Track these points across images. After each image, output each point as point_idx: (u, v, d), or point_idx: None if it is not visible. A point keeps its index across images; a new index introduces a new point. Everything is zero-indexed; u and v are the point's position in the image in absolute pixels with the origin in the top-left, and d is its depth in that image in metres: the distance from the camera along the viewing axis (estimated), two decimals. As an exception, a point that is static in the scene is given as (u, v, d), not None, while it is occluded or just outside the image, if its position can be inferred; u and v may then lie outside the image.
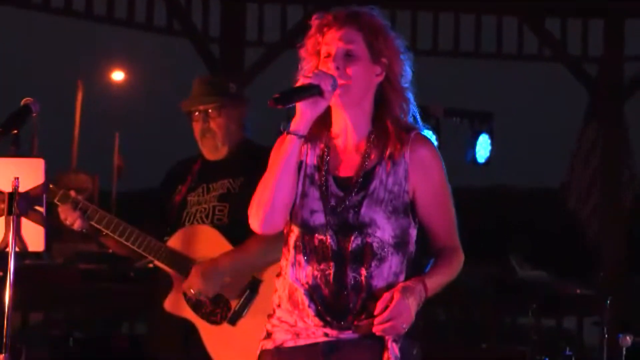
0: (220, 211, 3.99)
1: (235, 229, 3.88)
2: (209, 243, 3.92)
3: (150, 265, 4.23)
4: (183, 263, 3.91)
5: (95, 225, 3.88)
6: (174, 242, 3.96)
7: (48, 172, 3.26)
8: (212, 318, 3.89)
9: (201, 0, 10.08)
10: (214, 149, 4.07)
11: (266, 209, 2.78)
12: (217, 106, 4.05)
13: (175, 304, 3.95)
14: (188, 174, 4.13)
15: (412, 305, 2.73)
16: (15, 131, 3.22)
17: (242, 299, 3.87)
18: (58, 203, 3.88)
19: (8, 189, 3.14)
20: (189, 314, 3.92)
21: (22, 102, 3.34)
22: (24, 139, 3.25)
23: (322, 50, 2.83)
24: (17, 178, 3.14)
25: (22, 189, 3.15)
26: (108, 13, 9.60)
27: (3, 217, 3.15)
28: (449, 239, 2.90)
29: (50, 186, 3.84)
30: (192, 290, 3.86)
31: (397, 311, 2.71)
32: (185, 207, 4.06)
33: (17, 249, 3.14)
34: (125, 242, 3.88)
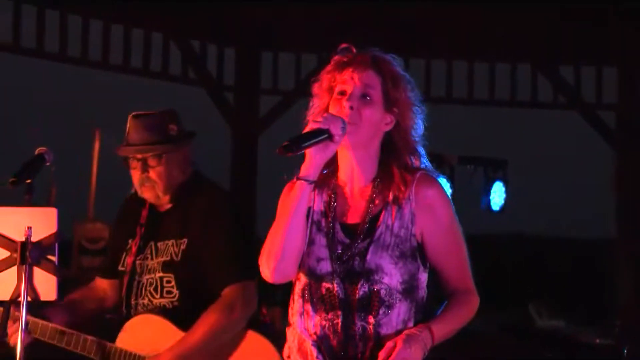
0: (167, 282, 3.72)
1: (186, 303, 3.68)
2: (158, 335, 3.67)
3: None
4: None
5: (39, 338, 3.62)
6: (124, 338, 3.72)
7: (61, 221, 3.26)
8: None
9: (216, 48, 10.15)
10: (155, 199, 3.77)
11: (277, 257, 2.74)
12: (156, 154, 3.72)
13: None
14: (137, 222, 3.82)
15: (415, 353, 2.68)
16: (29, 180, 3.23)
17: None
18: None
19: (21, 238, 3.14)
20: None
21: (36, 152, 3.35)
22: (44, 188, 3.24)
23: (337, 88, 2.80)
24: (30, 227, 3.14)
25: (34, 238, 3.15)
26: (124, 62, 9.67)
27: (15, 267, 3.14)
28: (461, 281, 2.83)
29: None
30: None
31: None
32: (135, 274, 3.79)
33: (29, 299, 3.12)
34: (73, 349, 3.67)
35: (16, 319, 3.36)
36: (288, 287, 2.88)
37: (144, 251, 3.79)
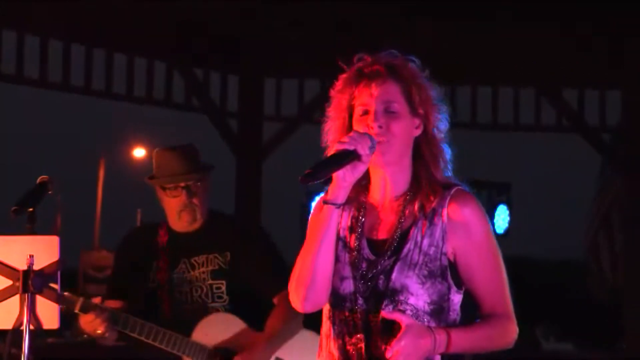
0: (217, 289, 4.04)
1: (235, 306, 4.02)
2: (231, 329, 3.98)
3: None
4: (221, 355, 3.94)
5: (121, 330, 3.89)
6: (199, 336, 3.97)
7: (65, 249, 3.25)
8: None
9: (219, 75, 10.18)
10: (191, 222, 4.07)
11: (307, 284, 2.60)
12: (198, 181, 4.05)
13: None
14: (156, 247, 4.11)
15: (417, 350, 2.52)
16: (31, 209, 3.22)
17: None
18: (79, 312, 3.86)
19: (23, 266, 3.13)
20: None
21: (38, 180, 3.35)
22: (49, 217, 3.26)
23: (358, 107, 2.65)
24: (32, 256, 3.13)
25: (36, 266, 3.14)
26: (127, 90, 9.70)
27: (18, 295, 3.13)
28: (496, 305, 2.64)
29: (67, 294, 3.82)
30: None
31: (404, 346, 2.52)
32: (175, 286, 4.06)
33: (31, 327, 3.11)
34: (159, 345, 3.91)
35: (102, 312, 3.76)
36: None
37: (178, 266, 4.06)
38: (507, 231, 9.97)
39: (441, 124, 2.72)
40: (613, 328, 10.83)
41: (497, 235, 9.54)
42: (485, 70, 9.98)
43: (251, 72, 10.00)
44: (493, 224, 9.93)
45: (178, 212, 4.04)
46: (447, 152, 2.71)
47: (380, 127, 2.61)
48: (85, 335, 3.91)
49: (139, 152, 33.56)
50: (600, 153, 10.58)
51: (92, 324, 3.83)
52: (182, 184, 4.01)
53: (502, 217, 9.91)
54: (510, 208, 10.00)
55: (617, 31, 9.13)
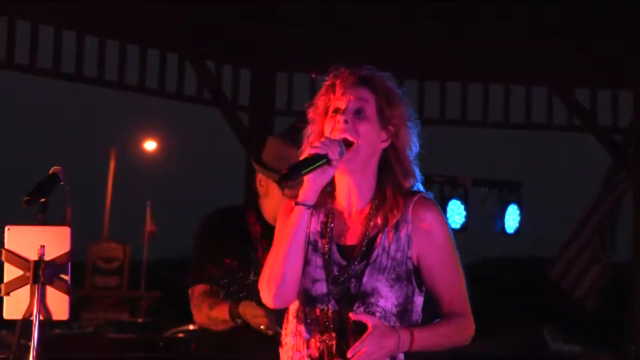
0: None
1: None
2: None
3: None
4: None
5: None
6: None
7: (75, 240, 3.26)
8: None
9: (231, 69, 10.19)
10: None
11: (277, 283, 2.72)
12: None
13: None
14: (247, 233, 3.97)
15: (379, 349, 2.65)
16: (43, 199, 3.23)
17: None
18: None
19: (34, 257, 3.14)
20: None
21: (50, 171, 3.35)
22: (59, 208, 3.25)
23: (331, 107, 2.79)
24: (43, 246, 3.13)
25: (47, 257, 3.14)
26: (140, 82, 9.71)
27: (28, 286, 3.14)
28: (455, 305, 2.78)
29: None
30: None
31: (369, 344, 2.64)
32: None
33: (41, 318, 3.12)
34: None
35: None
36: None
37: None
38: (517, 230, 9.96)
39: (412, 142, 2.81)
40: (623, 329, 10.81)
41: (508, 235, 9.45)
42: (498, 69, 9.97)
43: (263, 66, 10.01)
44: (504, 223, 9.99)
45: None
46: (416, 172, 2.82)
47: (346, 122, 2.73)
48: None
49: (150, 145, 33.64)
50: (611, 153, 10.56)
51: (260, 319, 3.72)
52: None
53: (512, 217, 9.90)
54: (520, 207, 9.99)
55: (629, 32, 9.11)
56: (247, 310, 3.75)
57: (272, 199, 3.99)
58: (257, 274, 3.77)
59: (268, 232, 3.85)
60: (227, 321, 3.81)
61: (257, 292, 3.67)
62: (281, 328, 3.45)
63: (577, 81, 10.31)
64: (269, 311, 3.65)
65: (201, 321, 3.93)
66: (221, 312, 3.83)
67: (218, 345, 3.98)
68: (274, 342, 3.72)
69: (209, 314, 3.87)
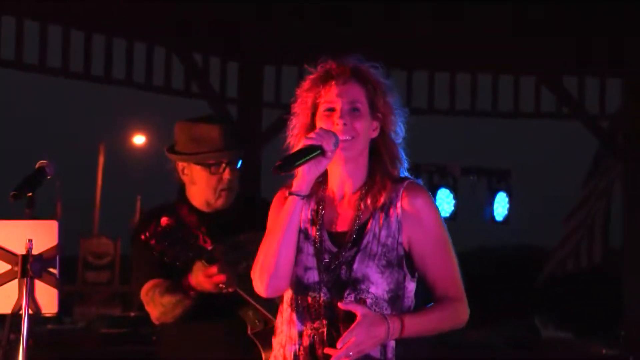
0: None
1: None
2: None
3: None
4: None
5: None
6: None
7: (65, 235, 3.25)
8: None
9: (219, 62, 10.17)
10: (226, 202, 3.74)
11: (270, 272, 2.75)
12: (241, 157, 3.77)
13: None
14: (186, 228, 3.59)
15: (370, 338, 2.66)
16: (30, 194, 3.22)
17: None
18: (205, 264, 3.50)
19: (22, 251, 3.13)
20: None
21: (37, 165, 3.34)
22: (50, 203, 3.22)
23: (323, 104, 2.81)
24: (31, 240, 3.13)
25: (35, 251, 3.14)
26: (126, 76, 9.69)
27: (16, 280, 3.13)
28: (449, 289, 2.79)
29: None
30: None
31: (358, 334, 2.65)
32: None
33: (30, 312, 3.11)
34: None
35: None
36: None
37: (226, 246, 3.57)
38: (507, 218, 9.98)
39: (398, 128, 2.85)
40: (613, 315, 10.84)
41: (497, 223, 9.50)
42: (486, 57, 9.97)
43: (251, 59, 10.00)
44: (493, 211, 10.01)
45: (218, 191, 3.72)
46: (403, 157, 2.85)
47: (345, 124, 2.76)
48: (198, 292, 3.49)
49: (139, 139, 33.60)
50: (599, 140, 10.59)
51: (216, 278, 3.46)
52: (226, 160, 3.71)
53: (501, 205, 9.92)
54: (509, 195, 10.01)
55: (618, 19, 9.13)
56: (199, 274, 3.48)
57: (199, 183, 3.75)
58: (205, 251, 3.54)
59: (204, 218, 3.70)
60: (181, 300, 3.53)
61: (208, 252, 3.53)
62: (253, 298, 3.45)
63: (565, 69, 10.32)
64: (223, 267, 3.46)
65: (157, 316, 3.61)
66: (172, 292, 3.55)
67: (180, 338, 3.68)
68: (237, 318, 3.55)
69: (160, 301, 3.57)
